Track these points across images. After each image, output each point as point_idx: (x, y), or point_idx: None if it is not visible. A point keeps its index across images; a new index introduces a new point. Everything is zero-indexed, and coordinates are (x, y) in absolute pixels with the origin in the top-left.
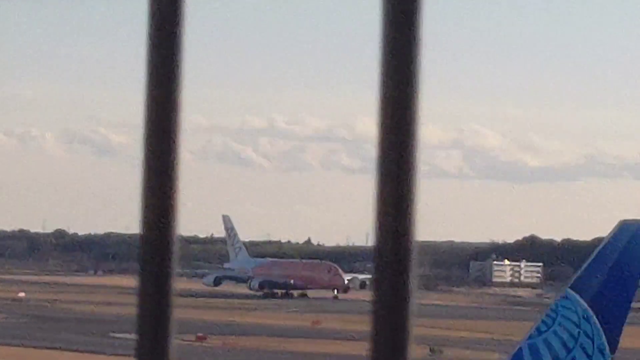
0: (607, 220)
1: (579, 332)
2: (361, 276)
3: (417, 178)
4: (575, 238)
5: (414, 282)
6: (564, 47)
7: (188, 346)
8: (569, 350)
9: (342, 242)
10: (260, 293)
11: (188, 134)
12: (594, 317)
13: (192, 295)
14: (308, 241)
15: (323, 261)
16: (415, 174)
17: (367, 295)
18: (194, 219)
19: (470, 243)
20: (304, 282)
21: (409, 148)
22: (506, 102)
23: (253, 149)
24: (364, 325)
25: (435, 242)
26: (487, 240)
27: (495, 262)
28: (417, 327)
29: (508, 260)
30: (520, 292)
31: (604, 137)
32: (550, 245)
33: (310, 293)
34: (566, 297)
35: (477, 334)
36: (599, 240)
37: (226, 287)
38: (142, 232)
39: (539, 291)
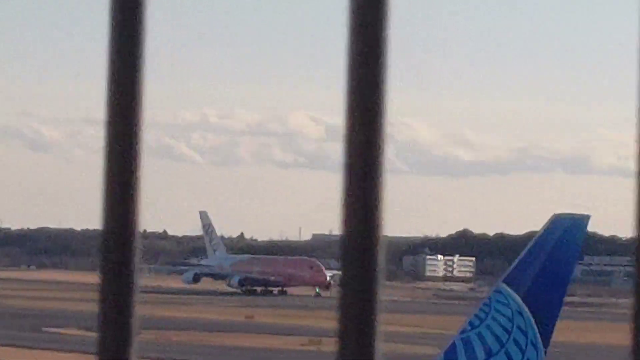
0: (540, 214)
1: (512, 327)
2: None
3: (385, 172)
4: (508, 232)
5: (382, 276)
6: (496, 39)
7: None
8: (502, 345)
9: (276, 237)
10: (239, 290)
11: None
12: (528, 311)
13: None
14: (241, 236)
15: (305, 257)
16: (383, 168)
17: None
18: None
19: (404, 237)
20: (285, 279)
21: (377, 142)
22: (439, 95)
23: (186, 144)
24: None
25: None
26: (420, 235)
27: (428, 257)
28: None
29: (441, 254)
30: (454, 286)
31: (537, 131)
32: (483, 239)
33: (295, 290)
34: (499, 292)
35: (410, 328)
36: (532, 234)
37: (205, 284)
38: (104, 228)
39: (472, 285)
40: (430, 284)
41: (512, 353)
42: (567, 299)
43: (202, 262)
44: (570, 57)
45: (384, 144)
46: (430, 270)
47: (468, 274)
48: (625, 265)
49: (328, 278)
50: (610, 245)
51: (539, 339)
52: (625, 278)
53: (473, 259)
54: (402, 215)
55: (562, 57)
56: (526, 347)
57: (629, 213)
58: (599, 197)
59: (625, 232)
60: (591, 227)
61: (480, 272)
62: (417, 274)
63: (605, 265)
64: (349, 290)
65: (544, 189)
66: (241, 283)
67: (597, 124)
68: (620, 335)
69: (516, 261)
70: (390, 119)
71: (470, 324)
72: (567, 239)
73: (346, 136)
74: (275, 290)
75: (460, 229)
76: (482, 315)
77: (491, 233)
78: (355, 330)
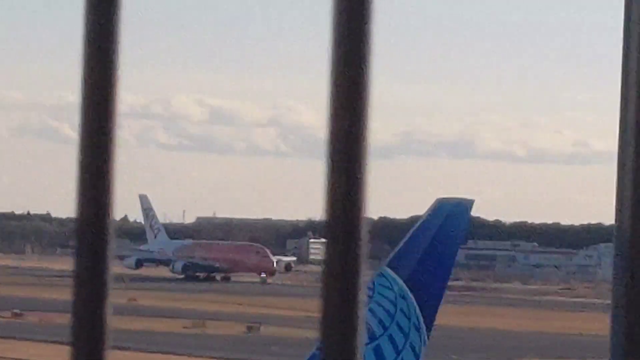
0: (424, 199)
1: (395, 310)
2: (285, 258)
3: (368, 156)
4: (392, 216)
5: (365, 259)
6: (377, 21)
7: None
8: (385, 328)
9: (160, 219)
10: (181, 276)
11: (5, 110)
12: (411, 295)
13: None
14: (124, 218)
15: (251, 243)
16: (366, 152)
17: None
18: (11, 195)
19: (287, 221)
20: (231, 265)
21: (359, 128)
22: (317, 77)
23: (70, 126)
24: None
25: (252, 219)
26: (304, 218)
27: (312, 240)
28: (234, 305)
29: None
30: None
31: (421, 115)
32: (367, 223)
33: (241, 277)
34: (383, 275)
35: (294, 312)
36: (415, 218)
37: (147, 270)
38: (78, 215)
39: None
40: (313, 267)
41: (396, 337)
42: (452, 283)
43: (142, 247)
44: (451, 40)
45: (366, 130)
46: (313, 254)
47: None
48: (508, 250)
49: (274, 264)
50: (494, 230)
51: (422, 323)
52: (510, 263)
53: None
54: (287, 199)
55: (443, 40)
56: (409, 330)
57: (513, 198)
58: (483, 181)
59: (509, 217)
60: (475, 212)
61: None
62: (301, 257)
63: (489, 250)
64: (333, 273)
65: (428, 173)
66: (185, 269)
67: (480, 109)
68: (504, 320)
69: (400, 245)
70: (276, 102)
71: None
72: (450, 223)
73: (329, 123)
74: (219, 276)
75: None
76: (366, 299)
77: (375, 217)
78: (338, 312)
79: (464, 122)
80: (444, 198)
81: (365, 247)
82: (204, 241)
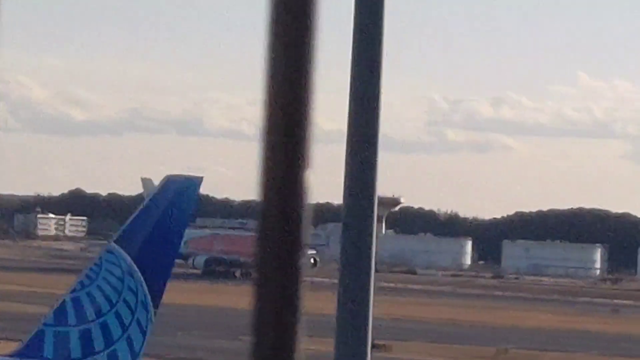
0: (153, 175)
1: (122, 287)
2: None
3: (311, 138)
4: (120, 192)
5: (305, 240)
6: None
7: None
8: (112, 304)
9: None
10: (199, 272)
11: None
12: (138, 271)
13: None
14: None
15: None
16: (308, 135)
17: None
18: None
19: (16, 195)
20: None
21: (300, 111)
22: (48, 52)
23: None
24: None
25: None
26: (32, 193)
27: (40, 215)
28: None
29: (53, 213)
30: (65, 245)
31: (149, 93)
32: (95, 199)
33: None
34: (111, 252)
35: (20, 287)
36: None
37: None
38: None
39: (83, 245)
40: (42, 243)
41: (123, 313)
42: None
43: None
44: (175, 22)
45: (310, 112)
46: (42, 229)
47: (80, 234)
48: (238, 228)
49: (312, 259)
50: (223, 208)
51: (149, 299)
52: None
53: (85, 218)
54: (15, 173)
55: (167, 20)
56: (136, 307)
57: (242, 176)
58: (212, 159)
59: (238, 195)
60: (204, 189)
61: (92, 231)
62: (29, 233)
63: (219, 227)
64: (269, 255)
65: (157, 150)
66: (207, 264)
67: (208, 87)
68: (226, 297)
69: (128, 221)
70: (3, 76)
71: (81, 283)
72: (179, 200)
73: (265, 105)
74: (238, 273)
75: (73, 188)
76: (93, 275)
77: (104, 193)
78: (276, 295)
79: (191, 100)
80: (172, 175)
81: (307, 229)
82: (225, 233)
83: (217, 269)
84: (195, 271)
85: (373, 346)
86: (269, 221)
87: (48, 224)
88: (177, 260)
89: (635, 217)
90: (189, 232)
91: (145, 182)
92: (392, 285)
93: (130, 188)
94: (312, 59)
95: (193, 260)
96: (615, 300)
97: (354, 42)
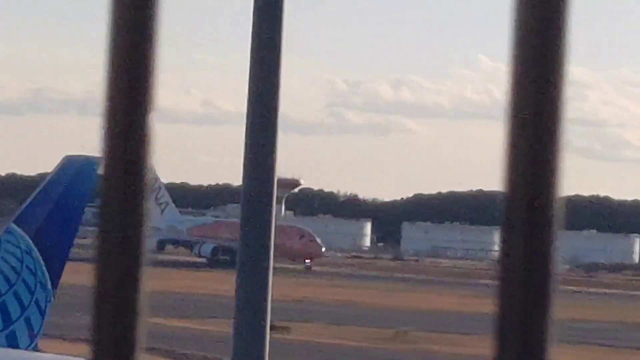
0: (52, 156)
1: (21, 267)
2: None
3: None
4: (20, 172)
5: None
6: None
7: None
8: (11, 285)
9: None
10: (205, 260)
11: None
12: (37, 251)
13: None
14: None
15: (293, 225)
16: (149, 105)
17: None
18: None
19: None
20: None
21: (141, 90)
22: None
23: None
24: None
25: None
26: None
27: None
28: None
29: None
30: None
31: (50, 73)
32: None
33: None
34: (10, 232)
35: None
36: (44, 175)
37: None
38: None
39: None
40: None
41: (21, 293)
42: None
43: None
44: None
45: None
46: None
47: None
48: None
49: (324, 249)
50: None
51: (48, 280)
52: None
53: None
54: None
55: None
56: (35, 287)
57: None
58: None
59: None
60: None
61: None
62: None
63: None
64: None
65: (57, 131)
66: (214, 252)
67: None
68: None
69: (27, 201)
70: None
71: None
72: (78, 179)
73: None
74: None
75: None
76: None
77: (3, 173)
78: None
79: (89, 80)
80: (71, 155)
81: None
82: (231, 220)
83: (224, 258)
84: (200, 260)
85: (272, 328)
86: (109, 201)
87: None
88: (180, 249)
89: None
90: (190, 220)
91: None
92: (290, 266)
93: (30, 168)
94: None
95: (199, 249)
96: None
97: (253, 25)
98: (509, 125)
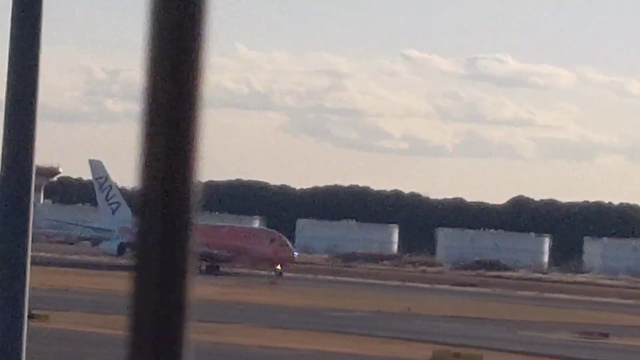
0: None
1: None
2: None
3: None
4: None
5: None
6: None
7: None
8: None
9: None
10: None
11: None
12: None
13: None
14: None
15: (263, 228)
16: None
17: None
18: None
19: None
20: (235, 253)
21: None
22: None
23: None
24: None
25: None
26: None
27: None
28: None
29: None
30: None
31: None
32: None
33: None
34: None
35: None
36: None
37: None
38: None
39: None
40: None
41: None
42: None
43: (94, 224)
44: None
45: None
46: None
47: None
48: None
49: (296, 255)
50: None
51: None
52: None
53: None
54: None
55: None
56: None
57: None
58: None
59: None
60: None
61: None
62: None
63: None
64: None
65: None
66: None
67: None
68: None
69: None
70: None
71: None
72: None
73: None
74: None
75: None
76: None
77: None
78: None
79: None
80: None
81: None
82: (202, 223)
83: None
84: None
85: (31, 316)
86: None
87: None
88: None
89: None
90: None
91: (94, 163)
92: (49, 255)
93: None
94: None
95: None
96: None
97: (12, 11)
98: (145, 111)
